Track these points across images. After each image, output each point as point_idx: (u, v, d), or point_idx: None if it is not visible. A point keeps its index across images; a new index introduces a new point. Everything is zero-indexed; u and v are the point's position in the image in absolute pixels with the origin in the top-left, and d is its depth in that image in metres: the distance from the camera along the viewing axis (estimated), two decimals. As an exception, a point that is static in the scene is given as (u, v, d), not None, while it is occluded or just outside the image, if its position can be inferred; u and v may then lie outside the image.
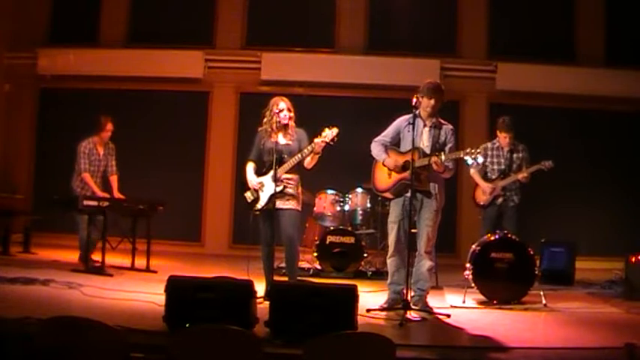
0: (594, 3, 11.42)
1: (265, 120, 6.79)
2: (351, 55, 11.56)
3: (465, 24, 11.64)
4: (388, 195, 6.62)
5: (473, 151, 6.13)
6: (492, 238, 7.16)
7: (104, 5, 12.00)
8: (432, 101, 6.38)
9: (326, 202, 9.15)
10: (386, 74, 11.21)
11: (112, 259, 8.45)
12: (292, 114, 6.79)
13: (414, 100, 6.24)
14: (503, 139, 8.07)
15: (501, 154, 8.09)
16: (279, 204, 6.59)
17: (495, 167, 8.11)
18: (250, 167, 6.87)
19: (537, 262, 7.29)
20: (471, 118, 11.32)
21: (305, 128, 6.84)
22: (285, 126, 6.73)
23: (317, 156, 6.59)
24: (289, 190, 6.66)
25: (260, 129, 6.84)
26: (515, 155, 8.04)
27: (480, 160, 6.36)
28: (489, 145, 8.18)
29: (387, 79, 11.19)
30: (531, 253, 7.02)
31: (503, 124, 8.08)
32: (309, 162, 6.64)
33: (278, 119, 6.69)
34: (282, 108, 6.72)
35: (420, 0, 11.93)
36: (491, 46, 11.56)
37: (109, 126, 8.89)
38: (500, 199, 8.01)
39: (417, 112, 6.36)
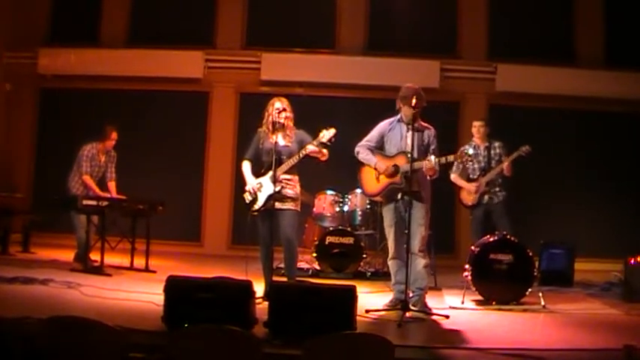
0: (594, 4, 11.42)
1: (264, 121, 6.81)
2: (351, 55, 11.55)
3: (465, 25, 11.63)
4: (379, 199, 6.69)
5: (461, 154, 6.34)
6: (491, 239, 7.17)
7: (105, 5, 12.00)
8: (405, 107, 6.47)
9: (325, 202, 9.16)
10: (386, 75, 11.19)
11: (110, 259, 8.45)
12: (290, 114, 6.78)
13: (413, 101, 6.28)
14: (477, 129, 8.26)
15: (479, 152, 8.19)
16: (278, 204, 6.58)
17: (476, 166, 8.20)
18: (247, 167, 6.87)
19: (536, 264, 7.30)
20: (471, 119, 11.16)
21: (304, 129, 6.85)
22: (283, 126, 6.72)
23: (324, 157, 6.64)
24: (288, 191, 6.66)
25: (259, 129, 6.85)
26: (492, 152, 8.16)
27: (470, 164, 6.44)
28: (466, 146, 8.17)
29: (387, 80, 11.14)
30: (530, 254, 7.03)
31: (478, 118, 8.45)
32: (321, 156, 6.66)
33: (274, 119, 6.68)
34: (278, 108, 6.72)
35: (420, 1, 11.92)
36: (491, 47, 11.56)
37: (114, 135, 8.92)
38: (486, 197, 8.08)
39: (399, 116, 6.55)
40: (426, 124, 6.61)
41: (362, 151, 6.66)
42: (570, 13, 11.48)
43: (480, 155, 8.19)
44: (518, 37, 11.41)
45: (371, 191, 6.73)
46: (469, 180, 8.22)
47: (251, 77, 11.62)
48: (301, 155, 6.59)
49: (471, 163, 8.09)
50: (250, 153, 6.90)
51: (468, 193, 8.19)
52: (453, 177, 8.26)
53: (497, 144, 8.22)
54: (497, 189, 8.15)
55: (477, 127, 8.35)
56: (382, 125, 6.68)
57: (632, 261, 7.71)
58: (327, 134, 6.54)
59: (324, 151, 6.64)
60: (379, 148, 6.65)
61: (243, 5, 11.90)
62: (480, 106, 11.45)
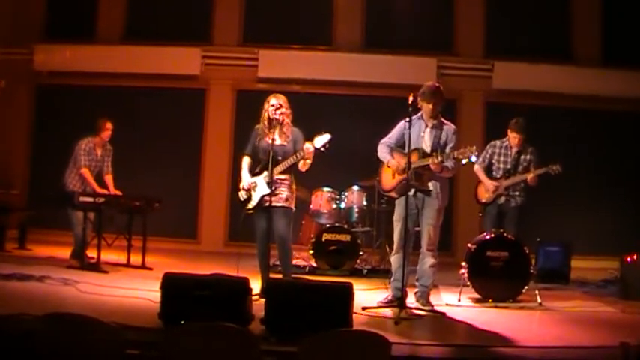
0: (591, 2, 11.43)
1: (262, 118, 6.78)
2: (348, 52, 11.54)
3: (462, 22, 11.64)
4: (393, 195, 6.73)
5: (466, 150, 6.22)
6: (488, 236, 7.18)
7: (101, 1, 11.98)
8: (431, 105, 6.50)
9: (322, 199, 9.16)
10: (383, 72, 11.21)
11: (107, 255, 8.43)
12: (287, 111, 6.73)
13: (410, 98, 6.29)
14: (512, 139, 8.00)
15: (509, 153, 8.03)
16: (274, 203, 6.56)
17: (501, 166, 8.04)
18: (245, 163, 6.86)
19: (533, 261, 7.31)
20: (468, 117, 11.31)
21: (302, 126, 6.83)
22: (281, 124, 6.67)
23: (309, 162, 6.57)
24: (282, 190, 6.64)
25: (257, 126, 6.83)
26: (522, 157, 7.97)
27: (474, 159, 6.37)
28: (498, 143, 8.12)
29: (384, 77, 11.19)
30: (527, 251, 7.05)
31: (516, 125, 7.99)
32: (301, 166, 6.62)
33: (270, 116, 6.66)
34: (273, 104, 6.69)
35: (417, -2, 11.95)
36: (489, 44, 11.56)
37: (108, 125, 8.89)
38: (502, 199, 7.98)
39: (420, 113, 6.54)
40: (446, 121, 6.65)
41: (381, 148, 6.71)
42: (568, 11, 11.48)
43: (509, 157, 8.00)
44: (516, 35, 11.42)
45: (386, 187, 6.79)
46: (490, 177, 8.09)
47: (248, 74, 11.60)
48: (295, 159, 6.55)
49: (496, 161, 8.05)
50: (249, 148, 6.87)
51: (485, 191, 8.07)
52: (476, 168, 8.09)
53: (530, 149, 7.98)
54: (516, 193, 7.96)
55: (512, 138, 7.98)
56: (403, 122, 6.67)
57: (628, 259, 7.73)
58: (320, 140, 6.48)
59: (308, 161, 6.56)
60: (401, 145, 6.65)
61: (240, 2, 11.89)
62: (476, 103, 11.48)
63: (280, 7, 11.78)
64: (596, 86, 10.89)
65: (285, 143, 6.67)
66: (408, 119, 6.37)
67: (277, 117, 6.65)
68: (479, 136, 10.23)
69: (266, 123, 6.69)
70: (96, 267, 8.02)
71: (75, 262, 8.34)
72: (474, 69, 11.45)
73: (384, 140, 6.72)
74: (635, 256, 7.70)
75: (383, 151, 6.70)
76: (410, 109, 6.30)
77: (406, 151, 6.50)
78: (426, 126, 6.56)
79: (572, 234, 9.75)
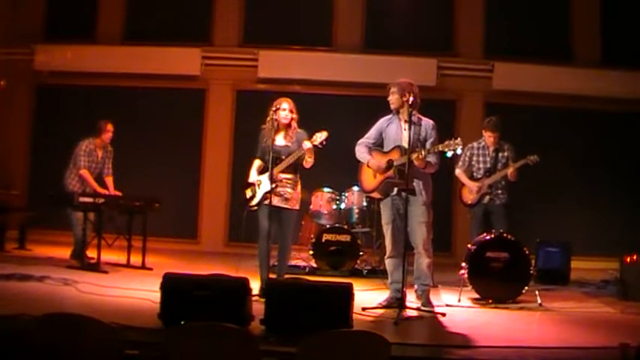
0: (591, 3, 11.43)
1: (268, 119, 6.88)
2: (348, 53, 11.54)
3: (462, 23, 11.63)
4: (376, 195, 6.71)
5: (451, 142, 6.18)
6: (488, 237, 7.18)
7: (101, 1, 11.97)
8: (396, 96, 6.50)
9: (322, 200, 9.16)
10: (383, 73, 11.13)
11: (107, 256, 8.44)
12: (294, 115, 6.89)
13: (410, 98, 6.32)
14: (488, 138, 8.13)
15: (487, 152, 8.13)
16: (278, 203, 6.66)
17: (481, 166, 8.14)
18: (256, 165, 6.98)
19: (533, 262, 7.31)
20: (467, 118, 11.31)
21: (302, 126, 6.90)
22: (288, 127, 6.84)
23: (310, 159, 6.67)
24: (287, 190, 6.74)
25: (263, 127, 6.93)
26: (500, 154, 8.08)
27: (459, 151, 6.34)
28: (475, 144, 8.23)
29: (384, 78, 11.03)
30: (527, 252, 7.05)
31: (489, 123, 8.14)
32: (305, 163, 6.74)
33: (278, 118, 6.78)
34: (284, 108, 6.83)
35: (417, -2, 11.95)
36: (488, 45, 11.55)
37: (109, 127, 8.89)
38: (486, 198, 8.05)
39: (395, 110, 6.54)
40: (424, 117, 6.60)
41: (359, 149, 6.68)
42: (567, 12, 11.47)
43: (487, 156, 8.10)
44: (516, 36, 11.41)
45: (368, 187, 6.73)
46: (472, 178, 8.18)
47: (248, 75, 11.60)
48: (293, 158, 6.67)
49: (476, 162, 8.11)
50: (259, 151, 6.99)
51: (469, 192, 8.16)
52: (457, 172, 8.22)
53: (506, 146, 8.08)
54: (499, 191, 8.05)
55: (487, 137, 8.12)
56: (380, 122, 6.70)
57: (628, 259, 7.73)
58: (319, 137, 6.59)
59: (309, 160, 6.68)
60: (379, 145, 6.64)
61: (240, 2, 11.87)
62: (476, 104, 11.46)
63: (280, 8, 11.77)
64: (596, 87, 10.88)
65: (289, 144, 6.80)
66: (391, 119, 6.43)
67: (287, 121, 6.82)
68: (479, 137, 10.20)
69: (274, 125, 6.80)
70: (96, 267, 8.03)
71: (75, 262, 8.35)
72: (474, 69, 11.45)
73: (362, 140, 6.69)
74: (634, 257, 7.70)
75: (361, 152, 6.65)
76: (411, 109, 6.32)
77: (386, 149, 6.54)
78: (405, 122, 6.48)
79: (571, 235, 9.75)
